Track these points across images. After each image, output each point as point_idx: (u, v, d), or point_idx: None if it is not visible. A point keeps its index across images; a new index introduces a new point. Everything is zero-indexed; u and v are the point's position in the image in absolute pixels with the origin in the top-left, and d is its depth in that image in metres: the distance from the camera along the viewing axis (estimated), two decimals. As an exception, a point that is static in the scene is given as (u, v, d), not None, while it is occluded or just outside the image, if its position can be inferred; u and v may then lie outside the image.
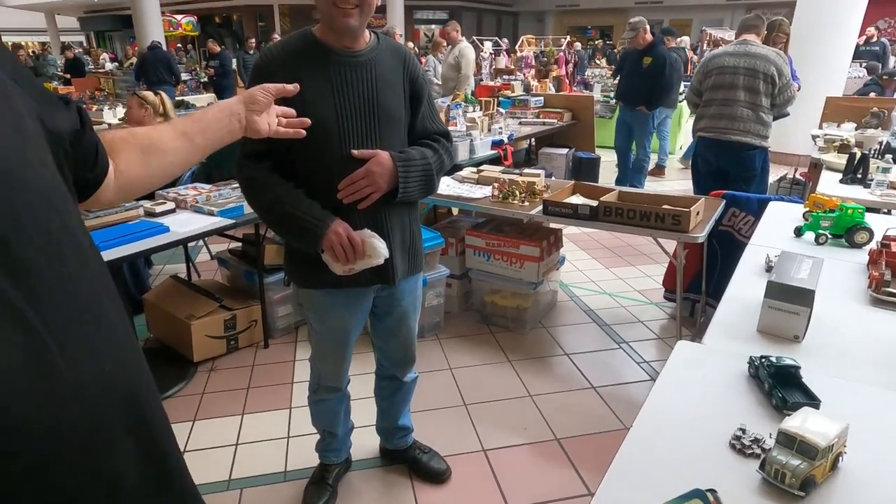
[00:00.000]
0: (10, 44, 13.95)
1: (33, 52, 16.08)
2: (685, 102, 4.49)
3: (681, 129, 8.12)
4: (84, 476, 0.54)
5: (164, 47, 10.80)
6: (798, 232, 2.05)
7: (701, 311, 3.25)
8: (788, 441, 0.88)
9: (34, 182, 0.57)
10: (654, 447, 1.00)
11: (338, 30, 1.47)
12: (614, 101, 6.32)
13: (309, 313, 1.78)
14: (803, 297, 1.30)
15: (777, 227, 2.16)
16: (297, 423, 2.48)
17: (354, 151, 1.52)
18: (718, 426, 1.03)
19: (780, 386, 1.09)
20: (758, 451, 0.96)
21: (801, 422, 0.89)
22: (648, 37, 5.45)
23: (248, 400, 2.66)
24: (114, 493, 0.59)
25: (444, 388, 2.72)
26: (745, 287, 1.63)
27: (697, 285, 3.21)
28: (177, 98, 7.63)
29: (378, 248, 1.54)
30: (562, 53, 12.19)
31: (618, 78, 6.16)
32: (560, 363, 2.96)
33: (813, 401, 1.06)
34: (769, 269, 1.69)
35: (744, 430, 1.01)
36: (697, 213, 2.58)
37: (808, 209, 2.11)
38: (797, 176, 4.57)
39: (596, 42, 19.19)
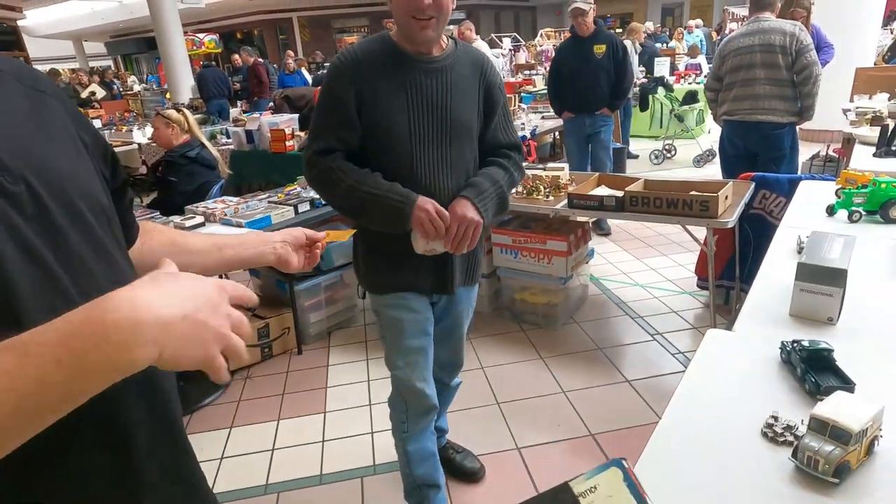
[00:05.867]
0: (47, 70, 14.43)
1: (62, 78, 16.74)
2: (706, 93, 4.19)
3: (705, 122, 7.78)
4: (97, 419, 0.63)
5: (190, 65, 11.15)
6: (830, 210, 1.98)
7: (736, 297, 3.18)
8: (821, 427, 0.85)
9: (86, 185, 0.68)
10: (684, 437, 0.99)
11: (416, 41, 1.47)
12: (555, 112, 4.85)
13: (384, 311, 1.71)
14: (835, 278, 1.26)
15: (809, 206, 2.10)
16: (332, 427, 2.51)
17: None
18: (750, 414, 1.01)
19: (814, 371, 1.06)
20: (790, 438, 0.94)
21: (834, 406, 0.86)
22: (591, 22, 4.36)
23: (284, 406, 2.70)
24: (127, 440, 0.67)
25: (477, 387, 2.72)
26: (777, 270, 1.58)
27: (731, 272, 3.14)
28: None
29: None
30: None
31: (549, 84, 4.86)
32: (593, 358, 2.92)
33: (847, 384, 1.03)
34: (801, 250, 1.65)
35: (776, 418, 0.98)
36: (726, 198, 2.52)
37: (840, 186, 2.04)
38: (830, 153, 4.42)
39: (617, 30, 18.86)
